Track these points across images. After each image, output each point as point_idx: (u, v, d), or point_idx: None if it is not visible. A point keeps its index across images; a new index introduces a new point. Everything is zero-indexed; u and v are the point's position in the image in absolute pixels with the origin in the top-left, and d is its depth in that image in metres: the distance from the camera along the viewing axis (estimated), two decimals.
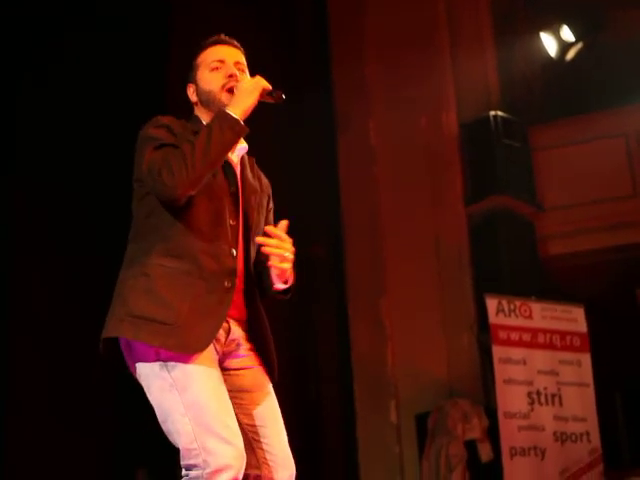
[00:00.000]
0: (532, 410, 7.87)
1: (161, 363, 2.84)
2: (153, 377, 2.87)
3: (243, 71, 3.16)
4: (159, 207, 2.93)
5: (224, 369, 2.98)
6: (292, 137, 7.87)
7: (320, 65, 9.08)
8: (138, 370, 2.91)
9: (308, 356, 8.23)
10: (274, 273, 3.03)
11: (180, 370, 2.83)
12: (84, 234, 6.46)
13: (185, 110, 3.19)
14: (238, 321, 3.04)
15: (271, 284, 3.08)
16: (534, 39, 9.87)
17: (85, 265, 6.44)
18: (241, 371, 3.04)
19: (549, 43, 9.90)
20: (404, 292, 8.70)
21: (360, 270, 8.90)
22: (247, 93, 2.96)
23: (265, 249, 2.98)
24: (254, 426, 3.00)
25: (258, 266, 3.14)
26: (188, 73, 3.20)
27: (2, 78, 6.20)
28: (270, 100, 3.03)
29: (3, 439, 5.96)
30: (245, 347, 3.06)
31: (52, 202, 6.35)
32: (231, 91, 3.06)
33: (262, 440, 3.00)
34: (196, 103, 3.16)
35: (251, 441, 2.98)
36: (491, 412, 7.91)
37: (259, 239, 3.00)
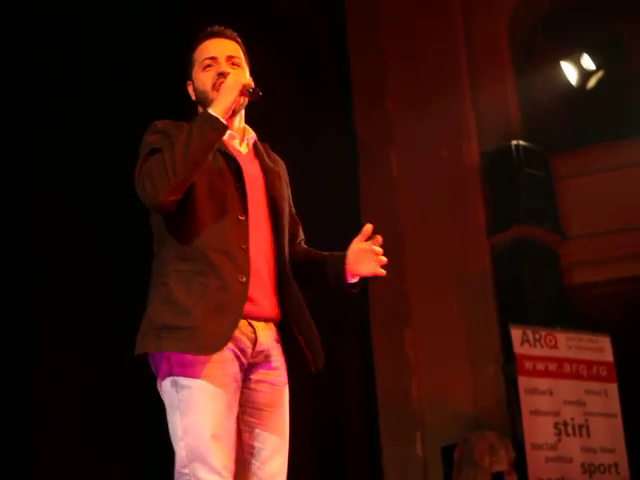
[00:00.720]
0: (559, 441, 7.78)
1: (172, 380, 2.84)
2: (166, 393, 2.88)
3: (238, 65, 3.13)
4: (171, 215, 2.92)
5: (246, 380, 2.95)
6: (314, 168, 7.87)
7: (341, 96, 9.09)
8: (158, 383, 2.93)
9: (332, 388, 8.18)
10: (359, 271, 3.07)
11: (187, 392, 2.82)
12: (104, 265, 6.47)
13: None
14: (269, 321, 3.01)
15: (344, 278, 3.09)
16: (554, 67, 9.86)
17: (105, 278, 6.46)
18: (261, 385, 2.99)
19: (569, 71, 9.89)
20: (428, 323, 8.65)
21: (384, 301, 8.86)
22: (228, 90, 2.94)
23: (374, 249, 3.05)
24: (253, 447, 2.96)
25: (316, 258, 3.16)
26: (187, 67, 3.18)
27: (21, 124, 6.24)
28: (248, 97, 3.00)
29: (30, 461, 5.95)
30: (276, 359, 3.02)
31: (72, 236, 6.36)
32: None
33: (255, 463, 2.96)
34: (196, 101, 3.15)
35: (246, 460, 2.95)
36: (518, 444, 7.82)
37: (378, 237, 3.07)
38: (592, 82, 10.05)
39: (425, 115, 8.85)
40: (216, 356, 2.83)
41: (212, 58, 3.11)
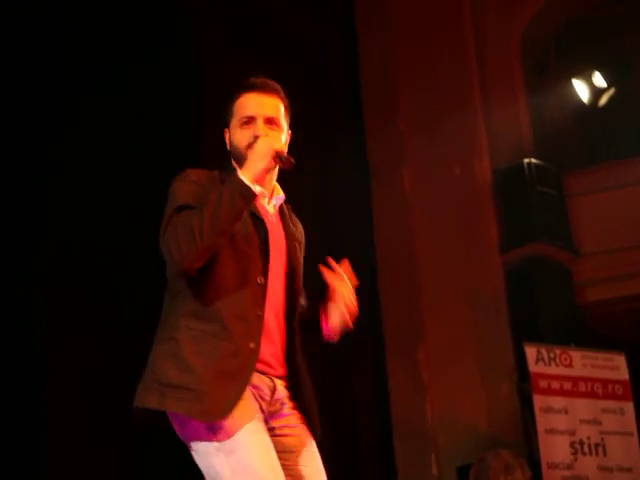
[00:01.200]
0: (576, 460, 7.73)
1: (206, 425, 2.79)
2: (199, 441, 2.83)
3: (277, 125, 3.07)
4: None
5: (269, 429, 2.93)
6: (326, 187, 7.89)
7: (353, 116, 9.11)
8: (186, 435, 2.87)
9: (346, 408, 8.15)
10: (335, 318, 3.06)
11: (225, 433, 2.78)
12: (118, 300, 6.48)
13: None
14: (280, 378, 3.00)
15: (321, 335, 3.12)
16: (566, 85, 9.85)
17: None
18: (286, 430, 2.99)
19: (581, 89, 9.88)
20: (441, 342, 8.62)
21: (397, 320, 8.84)
22: (259, 157, 2.90)
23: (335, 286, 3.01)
24: None
25: (310, 311, 3.14)
26: (226, 115, 3.14)
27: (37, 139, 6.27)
28: (280, 164, 2.99)
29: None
30: (289, 406, 3.02)
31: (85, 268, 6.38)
32: None
33: None
34: (230, 151, 3.12)
35: None
36: (534, 463, 7.77)
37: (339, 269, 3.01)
38: (604, 100, 10.04)
39: (437, 133, 8.85)
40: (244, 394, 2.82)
41: (250, 117, 3.06)
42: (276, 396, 2.96)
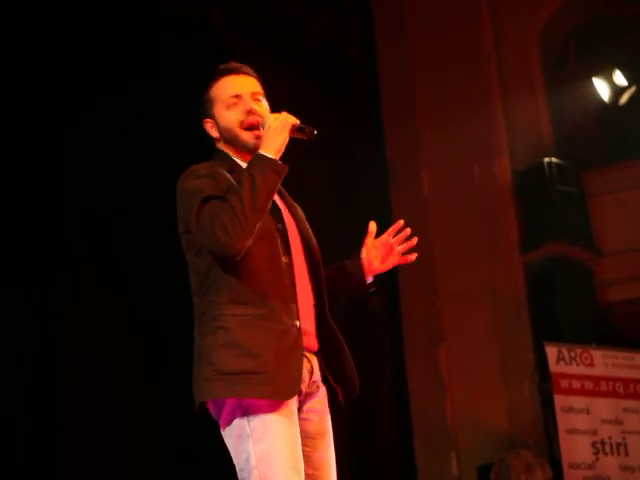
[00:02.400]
0: (597, 460, 7.72)
1: (242, 411, 2.82)
2: (234, 426, 2.85)
3: (259, 101, 3.13)
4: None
5: (299, 409, 2.95)
6: (344, 188, 7.89)
7: (371, 115, 9.11)
8: (222, 420, 2.89)
9: (366, 407, 8.15)
10: (372, 268, 3.18)
11: (259, 420, 2.81)
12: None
13: None
14: (316, 354, 3.03)
15: (363, 280, 3.19)
16: (586, 84, 9.81)
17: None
18: (311, 415, 3.01)
19: (602, 88, 9.84)
20: (462, 342, 8.61)
21: (417, 321, 8.84)
22: (277, 132, 2.94)
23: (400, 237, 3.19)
24: (311, 475, 2.96)
25: (334, 272, 3.19)
26: (202, 106, 3.15)
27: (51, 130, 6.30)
28: (301, 136, 3.01)
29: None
30: (322, 388, 3.04)
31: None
32: (251, 129, 3.05)
33: None
34: (218, 139, 3.13)
35: None
36: (555, 463, 7.77)
37: (400, 222, 3.21)
38: (624, 98, 10.00)
39: (456, 133, 8.83)
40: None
41: (236, 96, 3.10)
42: (313, 378, 2.99)
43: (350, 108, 8.56)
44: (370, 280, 3.22)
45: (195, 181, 2.96)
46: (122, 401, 6.17)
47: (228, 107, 3.10)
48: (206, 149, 3.16)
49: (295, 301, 2.95)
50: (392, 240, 3.22)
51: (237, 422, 2.84)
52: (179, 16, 6.89)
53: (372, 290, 3.25)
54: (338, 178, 7.65)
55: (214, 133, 3.13)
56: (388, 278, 8.83)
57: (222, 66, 3.17)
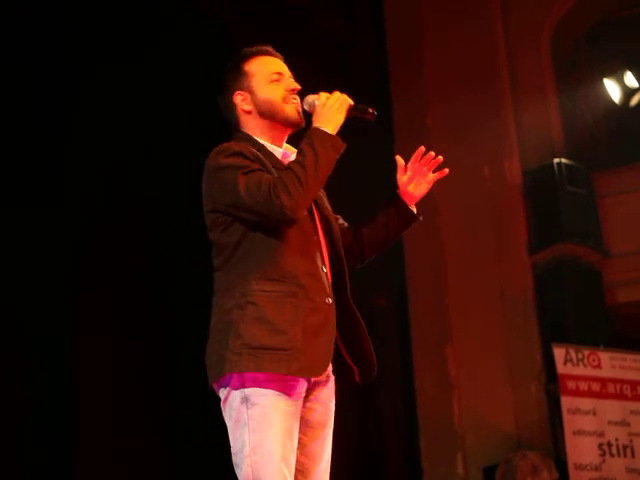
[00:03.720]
0: (603, 462, 7.71)
1: (243, 396, 2.83)
2: (233, 408, 2.87)
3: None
4: (248, 233, 2.93)
5: (305, 399, 2.95)
6: (353, 186, 7.87)
7: (381, 113, 9.08)
8: (224, 397, 2.91)
9: (372, 408, 8.15)
10: (418, 191, 3.31)
11: (258, 410, 2.82)
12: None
13: None
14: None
15: (409, 211, 3.30)
16: (597, 85, 9.79)
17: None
18: (316, 404, 3.01)
19: (612, 89, 9.81)
20: (469, 342, 8.60)
21: (425, 320, 8.84)
22: (335, 110, 3.00)
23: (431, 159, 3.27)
24: (304, 464, 2.98)
25: (375, 217, 3.30)
26: (230, 80, 3.17)
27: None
28: (362, 116, 3.08)
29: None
30: (332, 379, 3.05)
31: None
32: (294, 104, 3.09)
33: (305, 478, 2.98)
34: (249, 112, 3.13)
35: (294, 476, 2.93)
36: (561, 464, 7.76)
37: (421, 148, 3.29)
38: (635, 100, 9.97)
39: (466, 133, 8.82)
40: (283, 383, 2.84)
41: (279, 73, 3.15)
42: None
43: (360, 102, 8.55)
44: (414, 209, 3.33)
45: (229, 157, 2.97)
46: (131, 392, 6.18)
47: (271, 82, 3.13)
48: (210, 126, 3.18)
49: (326, 279, 2.98)
50: (419, 164, 3.30)
51: (237, 407, 2.85)
52: (186, 7, 6.91)
53: (420, 218, 3.35)
54: (346, 178, 7.63)
55: (245, 106, 3.13)
56: (397, 277, 8.82)
57: (257, 46, 3.20)
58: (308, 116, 3.11)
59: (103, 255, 6.29)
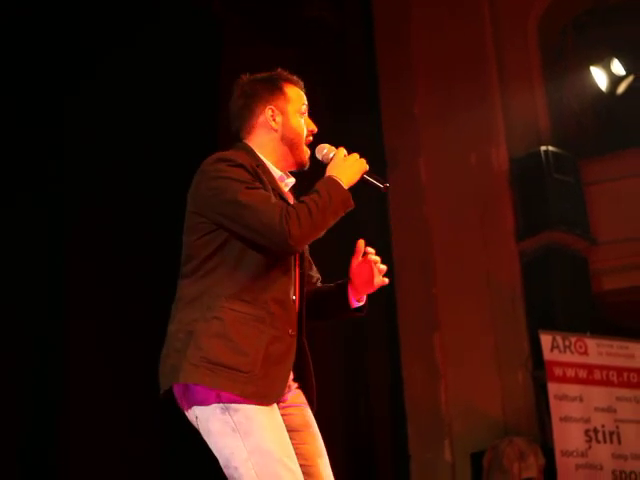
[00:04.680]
0: (590, 448, 7.74)
1: (222, 406, 2.81)
2: (213, 420, 2.84)
3: None
4: (227, 247, 2.91)
5: (279, 407, 2.95)
6: None
7: (369, 103, 9.10)
8: (196, 413, 2.87)
9: (360, 394, 8.17)
10: (359, 289, 3.12)
11: (243, 414, 2.81)
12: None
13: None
14: None
15: (348, 304, 3.15)
16: (584, 73, 9.80)
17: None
18: (291, 409, 3.02)
19: (599, 77, 9.83)
20: (457, 329, 8.63)
21: (412, 308, 8.85)
22: (354, 170, 3.01)
23: (372, 258, 3.08)
24: (304, 466, 2.96)
25: (324, 291, 3.19)
26: (267, 92, 3.14)
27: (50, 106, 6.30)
28: (372, 184, 3.07)
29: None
30: (294, 385, 3.06)
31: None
32: (307, 146, 3.11)
33: (312, 478, 2.99)
34: (274, 130, 3.11)
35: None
36: (547, 450, 7.79)
37: (370, 249, 3.10)
38: (622, 87, 9.99)
39: (453, 121, 8.84)
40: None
41: (306, 110, 3.17)
42: (290, 377, 3.00)
43: (348, 94, 8.55)
44: (356, 304, 3.19)
45: (232, 168, 2.93)
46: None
47: (301, 114, 3.15)
48: (203, 118, 3.18)
49: (294, 310, 2.98)
50: (368, 259, 3.13)
51: (220, 418, 2.82)
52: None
53: (359, 315, 3.24)
54: None
55: (273, 123, 3.11)
56: (384, 264, 8.82)
57: (296, 76, 3.21)
58: (314, 162, 3.14)
59: (98, 252, 6.29)
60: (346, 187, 2.96)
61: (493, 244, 8.89)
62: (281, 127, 3.11)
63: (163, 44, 6.64)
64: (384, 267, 3.12)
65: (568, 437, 7.74)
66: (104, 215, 6.38)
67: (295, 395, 3.05)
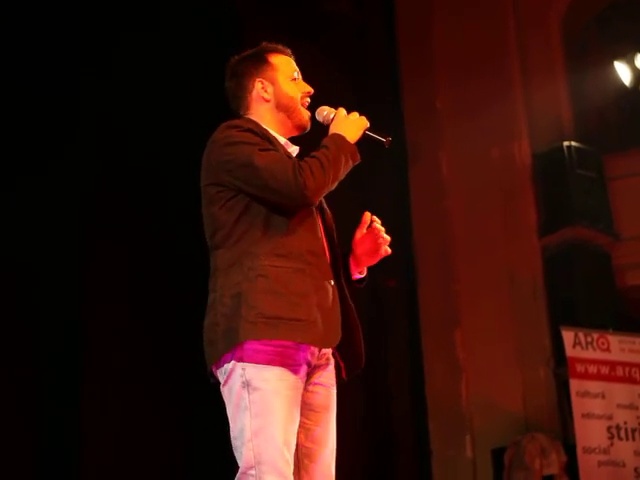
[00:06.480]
0: (612, 445, 7.70)
1: (244, 381, 2.85)
2: (234, 393, 2.88)
3: None
4: (250, 209, 2.96)
5: (306, 382, 2.97)
6: (363, 169, 7.87)
7: (391, 97, 9.07)
8: (223, 381, 2.92)
9: (381, 391, 8.16)
10: (360, 260, 3.19)
11: (259, 395, 2.84)
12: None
13: None
14: None
15: (349, 276, 3.20)
16: (607, 67, 9.74)
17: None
18: (318, 388, 3.03)
19: (623, 71, 9.76)
20: (478, 325, 8.60)
21: (433, 303, 8.83)
22: (356, 127, 3.08)
23: (377, 227, 3.15)
24: (309, 448, 3.00)
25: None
26: (253, 66, 3.22)
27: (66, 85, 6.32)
28: (374, 138, 3.11)
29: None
30: (332, 362, 3.07)
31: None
32: (305, 107, 3.17)
33: (309, 464, 3.00)
34: (267, 100, 3.18)
35: (300, 461, 2.98)
36: (569, 447, 7.76)
37: (375, 217, 3.17)
38: None
39: (476, 116, 8.79)
40: (291, 360, 2.87)
41: (298, 74, 3.23)
42: (323, 350, 3.00)
43: (370, 89, 8.52)
44: (357, 276, 3.25)
45: (243, 132, 3.02)
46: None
47: (291, 80, 3.20)
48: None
49: (326, 260, 3.03)
50: (371, 230, 3.19)
51: (238, 391, 2.87)
52: None
53: (358, 286, 3.27)
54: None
55: (265, 94, 3.18)
56: (406, 260, 8.81)
57: (280, 45, 3.28)
58: (315, 125, 3.18)
59: (116, 236, 6.31)
60: (352, 141, 3.04)
61: (515, 240, 8.86)
62: (273, 96, 3.18)
63: (183, 38, 6.66)
64: (388, 237, 3.18)
65: (590, 434, 7.71)
66: (121, 200, 6.39)
67: (328, 375, 3.05)
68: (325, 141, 3.03)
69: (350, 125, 3.07)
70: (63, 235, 6.04)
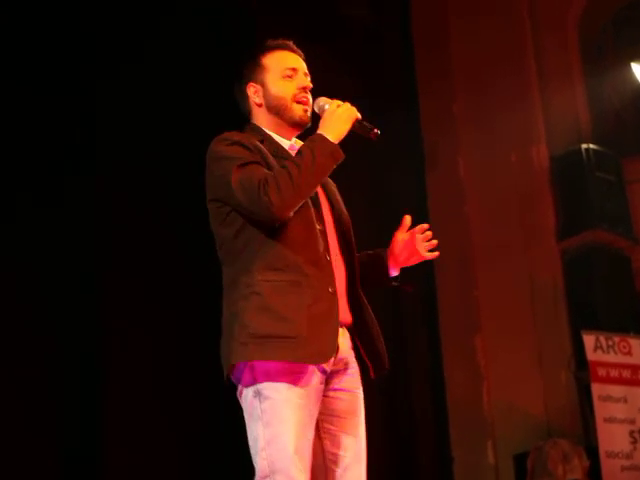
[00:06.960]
0: (635, 449, 7.66)
1: (255, 390, 2.85)
2: (248, 403, 2.89)
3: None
4: (247, 224, 2.94)
5: (326, 388, 2.96)
6: (380, 174, 7.86)
7: (407, 101, 9.05)
8: (239, 391, 2.94)
9: (401, 398, 8.13)
10: (397, 261, 3.20)
11: (270, 403, 2.83)
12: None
13: None
14: (344, 327, 3.02)
15: (386, 273, 3.22)
16: (624, 69, 9.70)
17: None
18: (340, 393, 3.01)
19: None
20: (498, 330, 8.56)
21: (453, 309, 8.80)
22: (342, 120, 2.98)
23: (426, 234, 3.19)
24: (334, 454, 2.98)
25: (364, 257, 3.21)
26: (246, 70, 3.19)
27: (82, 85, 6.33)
28: (363, 133, 3.04)
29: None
30: (352, 365, 3.04)
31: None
32: (302, 104, 3.11)
33: (337, 470, 2.98)
34: (259, 105, 3.15)
35: (327, 468, 2.97)
36: (592, 452, 7.71)
37: (424, 225, 3.20)
38: None
39: (493, 120, 8.77)
40: (299, 370, 2.85)
41: (293, 69, 3.15)
42: (340, 355, 2.97)
43: (386, 94, 8.50)
44: (394, 274, 3.26)
45: (229, 147, 2.99)
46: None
47: (283, 77, 3.14)
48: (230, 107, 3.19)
49: (330, 268, 2.97)
50: (419, 237, 3.21)
51: (251, 401, 2.87)
52: None
53: (394, 284, 3.28)
54: (373, 163, 7.61)
55: (256, 98, 3.16)
56: (425, 265, 8.77)
57: (276, 40, 3.22)
58: (315, 117, 3.12)
59: (135, 234, 6.31)
60: (335, 139, 2.94)
61: (534, 243, 8.83)
62: (263, 99, 3.15)
63: (199, 39, 6.67)
64: (435, 241, 3.20)
65: (612, 438, 7.67)
66: (137, 200, 6.40)
67: (350, 379, 3.03)
68: (302, 145, 2.97)
69: (336, 120, 2.98)
70: (82, 243, 6.05)
